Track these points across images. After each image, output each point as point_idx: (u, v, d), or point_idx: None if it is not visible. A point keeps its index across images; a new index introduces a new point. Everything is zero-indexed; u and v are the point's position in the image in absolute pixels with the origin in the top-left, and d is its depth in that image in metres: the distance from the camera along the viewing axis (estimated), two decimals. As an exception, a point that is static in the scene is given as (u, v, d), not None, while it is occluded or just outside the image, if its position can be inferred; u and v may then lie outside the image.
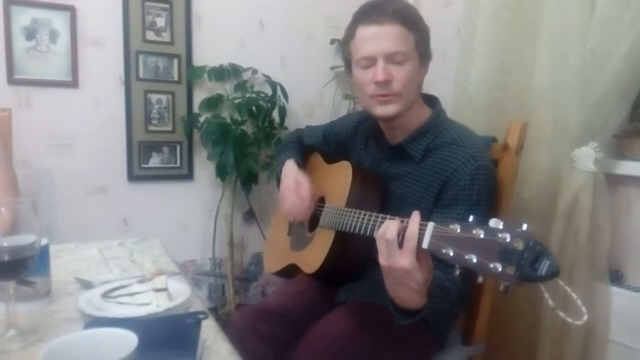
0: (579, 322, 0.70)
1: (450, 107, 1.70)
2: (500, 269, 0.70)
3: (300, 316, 1.23)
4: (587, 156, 1.40)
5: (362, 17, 1.14)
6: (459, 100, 1.76)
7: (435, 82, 1.70)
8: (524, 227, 0.70)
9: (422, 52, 1.15)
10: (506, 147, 1.25)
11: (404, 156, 1.21)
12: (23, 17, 2.00)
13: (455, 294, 1.04)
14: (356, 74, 1.17)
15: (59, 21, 2.06)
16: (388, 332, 1.12)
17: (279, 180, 1.43)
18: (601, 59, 1.36)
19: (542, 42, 1.50)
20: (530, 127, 1.34)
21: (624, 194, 1.47)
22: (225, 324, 1.15)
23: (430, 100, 1.25)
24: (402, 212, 0.91)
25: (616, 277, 1.46)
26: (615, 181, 1.46)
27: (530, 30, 1.56)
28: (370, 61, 1.12)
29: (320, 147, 1.51)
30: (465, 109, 1.71)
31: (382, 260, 0.87)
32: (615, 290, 1.42)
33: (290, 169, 1.38)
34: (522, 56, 1.59)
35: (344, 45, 1.21)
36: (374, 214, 1.04)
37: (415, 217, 0.84)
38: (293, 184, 1.33)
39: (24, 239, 0.79)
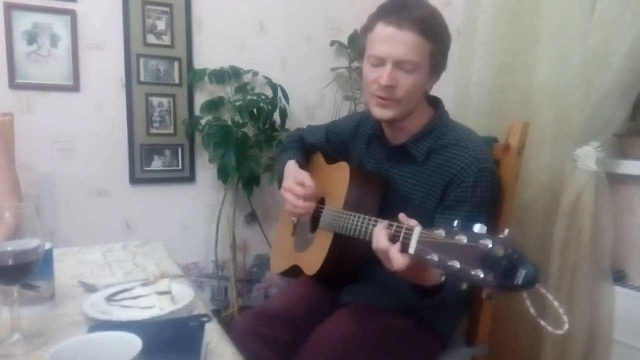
0: (559, 332, 0.69)
1: (451, 108, 1.69)
2: (482, 276, 0.69)
3: (303, 319, 1.23)
4: (589, 156, 1.40)
5: (384, 14, 1.11)
6: (460, 101, 1.76)
7: (436, 83, 1.71)
8: (506, 232, 0.70)
9: (435, 63, 1.13)
10: (508, 147, 1.26)
11: (406, 157, 1.21)
12: (24, 21, 2.01)
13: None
14: (365, 68, 1.17)
15: (60, 25, 2.07)
16: (392, 334, 1.12)
17: (280, 182, 1.42)
18: (602, 58, 1.36)
19: (543, 43, 1.50)
20: (532, 128, 1.34)
21: (626, 194, 1.47)
22: (228, 326, 1.15)
23: (434, 102, 1.25)
24: (406, 213, 0.91)
25: (619, 277, 1.46)
26: (617, 181, 1.46)
27: (531, 30, 1.56)
28: (380, 62, 1.11)
29: (322, 146, 1.50)
30: (466, 110, 1.71)
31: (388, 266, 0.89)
32: (618, 290, 1.42)
33: (290, 169, 1.38)
34: (523, 57, 1.59)
35: (362, 33, 1.19)
36: (367, 217, 1.05)
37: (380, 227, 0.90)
38: (293, 183, 1.29)
39: (27, 243, 0.79)
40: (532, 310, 0.69)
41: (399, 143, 1.22)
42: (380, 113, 1.15)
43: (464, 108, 1.73)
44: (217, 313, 2.35)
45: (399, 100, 1.12)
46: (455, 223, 0.76)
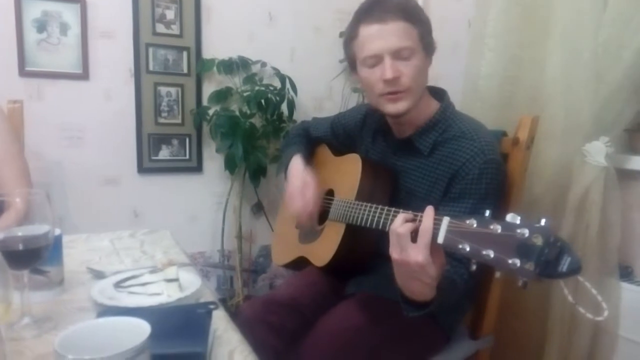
0: (599, 318, 0.70)
1: (460, 101, 1.69)
2: (518, 265, 0.69)
3: (309, 307, 1.24)
4: (598, 151, 1.39)
5: (363, 15, 1.12)
6: (469, 93, 1.75)
7: (446, 75, 1.70)
8: (543, 222, 0.69)
9: (426, 44, 1.14)
10: (516, 141, 1.25)
11: (412, 150, 1.20)
12: (34, 9, 2.02)
13: (462, 288, 1.05)
14: (362, 73, 1.16)
15: (69, 13, 2.07)
16: (396, 326, 1.13)
17: (286, 170, 1.43)
18: (613, 53, 1.35)
19: (554, 36, 1.49)
20: (541, 122, 1.33)
21: (635, 190, 1.46)
22: (233, 315, 1.15)
23: (438, 93, 1.24)
24: (411, 206, 0.91)
25: (626, 273, 1.46)
26: (626, 176, 1.45)
27: (541, 24, 1.54)
28: (377, 59, 1.11)
29: (327, 139, 1.50)
30: (475, 103, 1.70)
31: (395, 254, 0.86)
32: (624, 285, 1.41)
33: (296, 168, 1.37)
34: (533, 50, 1.58)
35: (347, 45, 1.19)
36: (386, 207, 1.04)
37: (430, 211, 0.84)
38: (300, 185, 1.31)
39: (37, 228, 0.80)
40: (570, 298, 0.70)
41: (404, 136, 1.22)
42: (394, 108, 1.13)
43: (472, 100, 1.72)
44: (223, 302, 2.35)
45: (408, 88, 1.11)
46: (487, 213, 0.76)
